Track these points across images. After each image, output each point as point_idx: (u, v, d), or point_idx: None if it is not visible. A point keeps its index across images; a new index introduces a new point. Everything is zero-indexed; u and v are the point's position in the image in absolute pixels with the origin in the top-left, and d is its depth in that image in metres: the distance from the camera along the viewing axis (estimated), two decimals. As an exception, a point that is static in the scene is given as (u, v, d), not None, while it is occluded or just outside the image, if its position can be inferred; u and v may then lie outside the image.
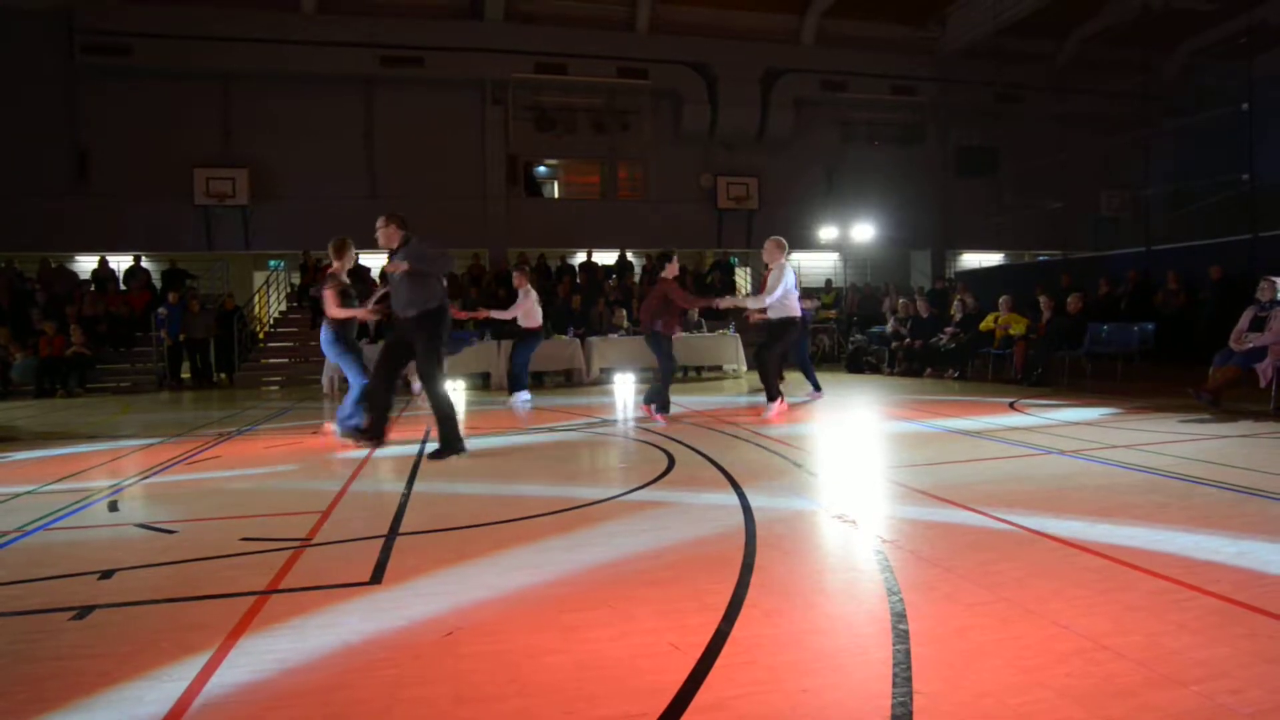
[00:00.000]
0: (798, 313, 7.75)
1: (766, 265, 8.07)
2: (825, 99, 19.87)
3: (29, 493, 5.07)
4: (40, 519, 4.33)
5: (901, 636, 2.47)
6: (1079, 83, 20.09)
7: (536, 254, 18.51)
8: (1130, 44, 17.08)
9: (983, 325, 12.33)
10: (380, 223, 6.13)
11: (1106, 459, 5.28)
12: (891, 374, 13.41)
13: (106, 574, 3.30)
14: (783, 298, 7.62)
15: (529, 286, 9.97)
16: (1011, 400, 8.97)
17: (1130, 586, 2.86)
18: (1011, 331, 11.71)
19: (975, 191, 20.52)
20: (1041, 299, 11.66)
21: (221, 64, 16.84)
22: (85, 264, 17.36)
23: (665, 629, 2.57)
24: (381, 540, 3.70)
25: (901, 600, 2.76)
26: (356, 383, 6.74)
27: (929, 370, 12.83)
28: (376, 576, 3.17)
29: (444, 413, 5.83)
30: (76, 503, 4.70)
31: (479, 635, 2.56)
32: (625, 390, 11.98)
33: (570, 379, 13.93)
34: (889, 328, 14.39)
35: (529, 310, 9.86)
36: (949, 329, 12.99)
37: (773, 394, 7.85)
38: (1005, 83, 19.94)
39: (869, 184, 19.72)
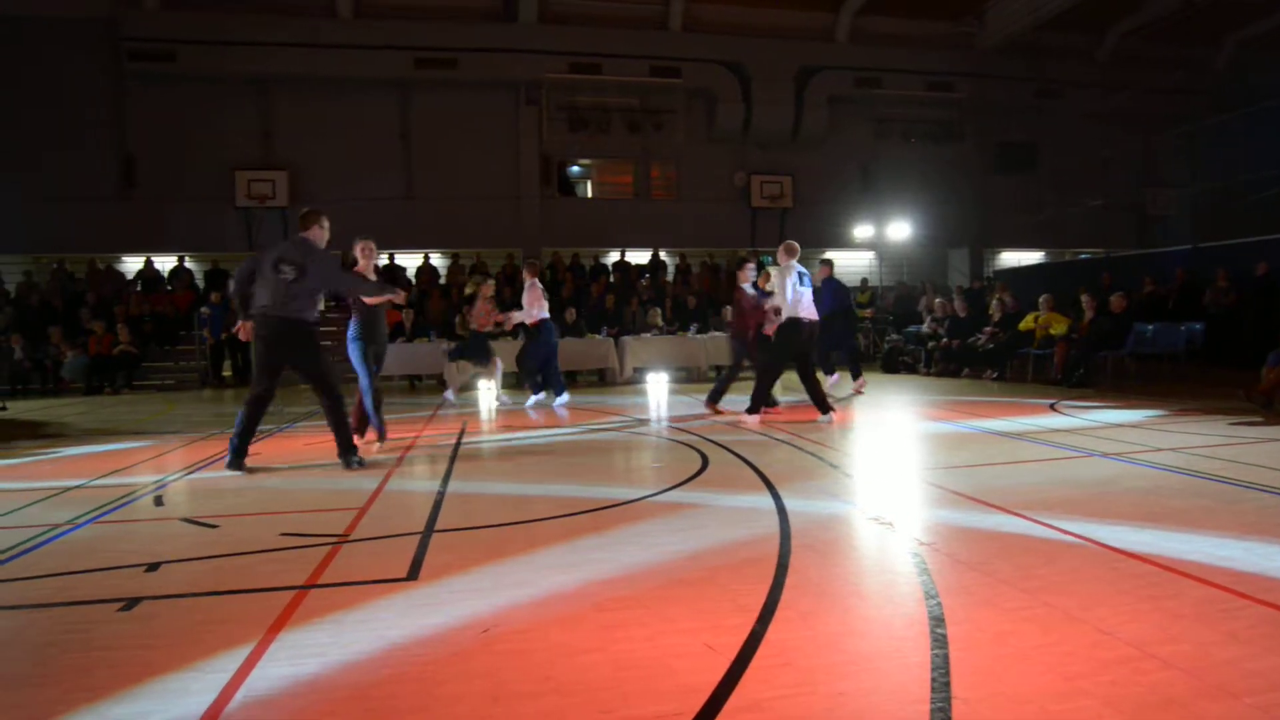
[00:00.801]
0: (805, 315, 7.56)
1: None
2: (860, 96, 19.65)
3: (78, 486, 5.22)
4: (89, 512, 4.46)
5: (940, 641, 2.43)
6: (1121, 77, 19.64)
7: (570, 253, 18.59)
8: (1174, 37, 16.63)
9: (1022, 325, 12.14)
10: (322, 222, 5.74)
11: (1151, 462, 5.15)
12: (928, 374, 13.24)
13: (153, 567, 3.39)
14: (792, 300, 7.53)
15: (535, 279, 9.77)
16: (1052, 401, 8.80)
17: (1178, 594, 2.78)
18: (1052, 331, 11.50)
19: (1014, 189, 20.15)
20: (1084, 298, 11.41)
21: (261, 68, 17.17)
22: (132, 265, 17.82)
23: (700, 629, 2.56)
24: (417, 537, 3.74)
25: (939, 604, 2.72)
26: (364, 388, 6.59)
27: (967, 371, 12.66)
28: (413, 573, 3.21)
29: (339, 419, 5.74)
30: (123, 497, 4.82)
31: (514, 633, 2.58)
32: (658, 390, 11.98)
33: (603, 378, 13.96)
34: (926, 327, 14.23)
35: (531, 301, 9.58)
36: (987, 329, 12.80)
37: (755, 404, 7.59)
38: (1044, 78, 19.59)
39: (905, 182, 19.47)
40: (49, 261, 17.49)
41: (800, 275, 7.53)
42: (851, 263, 20.92)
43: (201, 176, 17.22)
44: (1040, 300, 12.00)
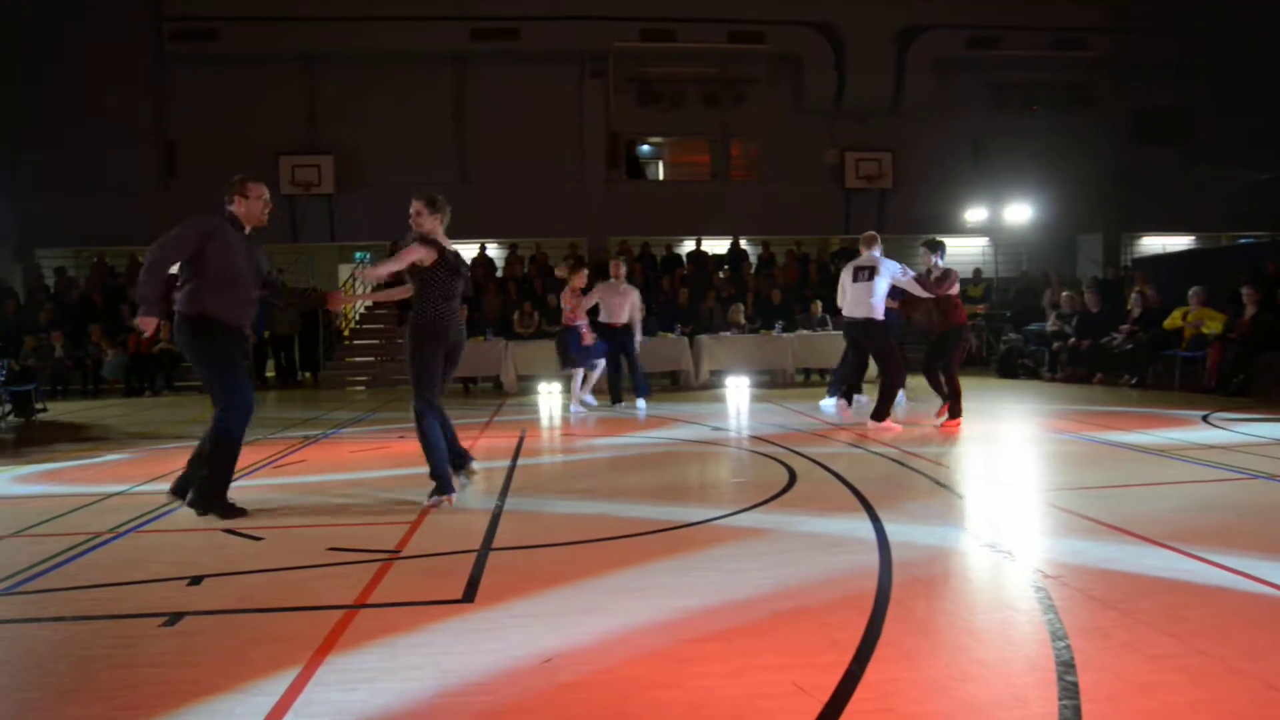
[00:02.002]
0: (848, 313, 7.79)
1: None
2: (972, 59, 19.18)
3: (120, 493, 5.53)
4: (131, 520, 4.72)
5: (1069, 690, 2.35)
6: (1293, 27, 18.60)
7: (639, 243, 18.69)
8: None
9: (1167, 323, 11.84)
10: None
11: (1329, 486, 4.88)
12: (1053, 379, 13.01)
13: (196, 580, 3.56)
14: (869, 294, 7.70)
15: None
16: (1205, 413, 8.46)
17: (1363, 643, 2.63)
18: (1205, 330, 11.18)
19: (1159, 163, 19.33)
20: (1244, 291, 10.99)
21: (307, 45, 17.83)
22: (173, 258, 18.72)
23: (788, 667, 2.54)
24: (473, 555, 3.83)
25: (1069, 647, 2.63)
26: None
27: (1099, 376, 12.39)
28: (469, 595, 3.28)
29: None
30: (165, 505, 5.08)
31: (580, 663, 2.61)
32: (739, 396, 11.94)
33: (677, 381, 13.99)
34: (1050, 325, 13.97)
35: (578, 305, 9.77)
36: (1125, 327, 12.50)
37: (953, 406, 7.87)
38: (1195, 31, 18.68)
39: (1025, 157, 18.88)
40: (89, 255, 18.56)
41: (856, 270, 7.74)
42: (962, 251, 20.41)
43: (244, 163, 17.81)
44: (1190, 294, 11.66)
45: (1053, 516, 4.37)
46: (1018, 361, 14.12)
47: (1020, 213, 18.18)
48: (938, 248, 8.17)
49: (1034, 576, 3.35)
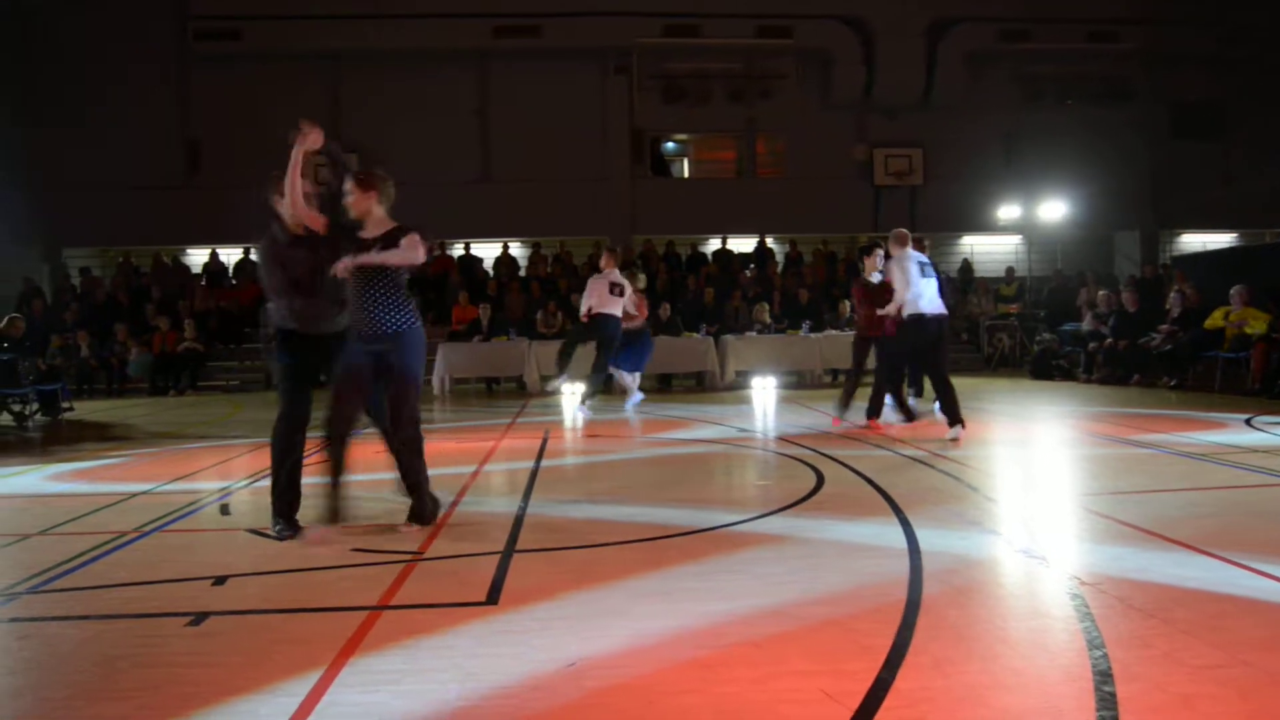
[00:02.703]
0: (929, 310, 7.33)
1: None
2: (1005, 52, 19.01)
3: (144, 493, 5.61)
4: (155, 520, 4.78)
5: (1107, 701, 2.32)
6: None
7: (664, 241, 18.69)
8: None
9: (1208, 323, 11.68)
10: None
11: (1379, 492, 4.78)
12: (1089, 381, 12.87)
13: (220, 580, 3.61)
14: (915, 293, 7.38)
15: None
16: (1248, 416, 8.34)
17: None
18: (1248, 330, 11.01)
19: (1197, 158, 19.05)
20: (1289, 289, 10.77)
21: (329, 43, 18.02)
22: (197, 258, 19.02)
23: (816, 673, 2.53)
24: (496, 558, 3.84)
25: (1106, 656, 2.59)
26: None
27: (1137, 377, 12.25)
28: (492, 597, 3.30)
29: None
30: (189, 505, 5.15)
31: (604, 668, 2.61)
32: (765, 397, 11.90)
33: (701, 382, 13.97)
34: (1086, 325, 13.84)
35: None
36: (1164, 327, 12.34)
37: (950, 413, 7.45)
38: (1234, 23, 18.36)
39: (1059, 152, 18.65)
40: (115, 254, 18.86)
41: (921, 265, 7.40)
42: (994, 249, 20.25)
43: (267, 162, 18.15)
44: (1232, 292, 11.49)
45: (1089, 522, 4.32)
46: (1052, 363, 14.00)
47: (1054, 210, 17.97)
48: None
49: (1070, 583, 3.31)
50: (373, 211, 4.48)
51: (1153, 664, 2.55)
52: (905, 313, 7.37)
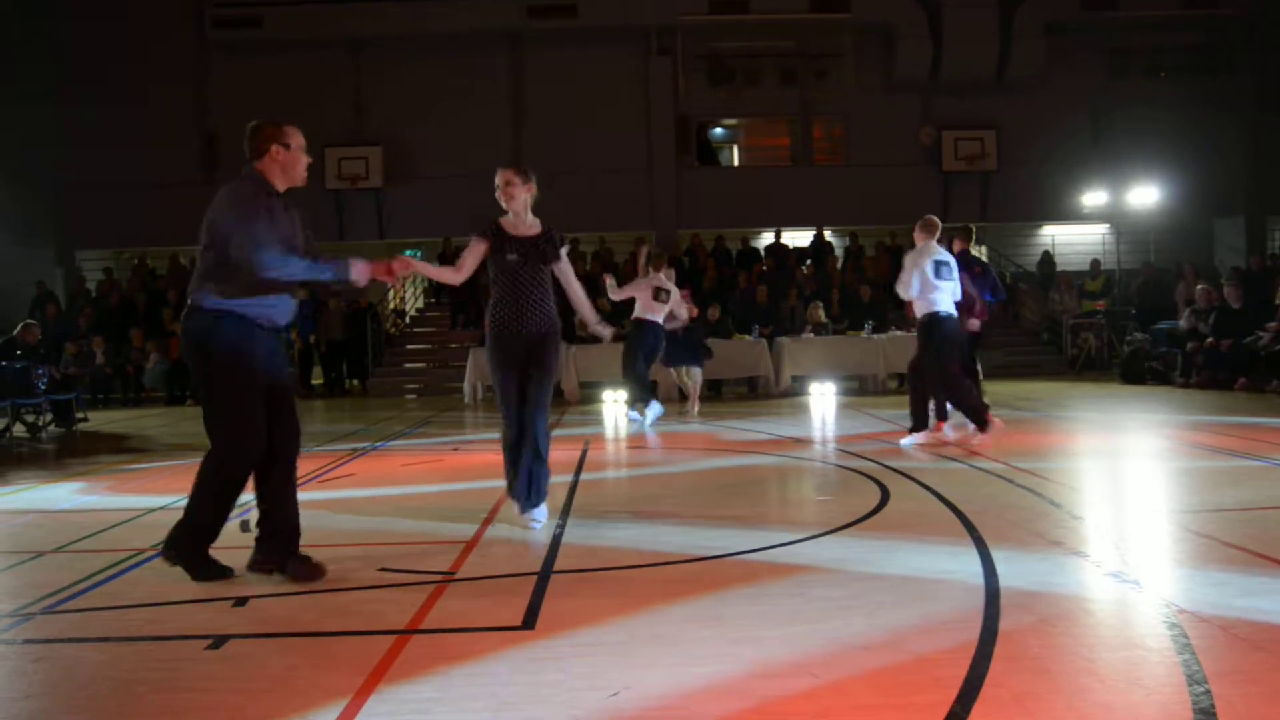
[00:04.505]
0: (942, 309, 7.39)
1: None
2: (1088, 21, 18.71)
3: (162, 508, 5.74)
4: (174, 539, 4.89)
5: (1210, 741, 2.27)
6: None
7: (713, 236, 18.68)
8: None
9: (1323, 319, 11.32)
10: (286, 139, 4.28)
11: None
12: (1186, 385, 12.67)
13: (240, 601, 3.68)
14: (923, 290, 7.40)
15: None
16: (1369, 423, 8.06)
17: None
18: (1368, 328, 10.63)
19: (1310, 135, 18.52)
20: None
21: (353, 29, 18.35)
22: (216, 258, 19.44)
23: (882, 708, 2.51)
24: (533, 579, 3.87)
25: (1209, 693, 2.54)
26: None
27: (1242, 381, 12.01)
28: (528, 621, 3.32)
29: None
30: (210, 522, 5.25)
31: (648, 698, 2.62)
32: (824, 404, 11.83)
33: (755, 388, 13.94)
34: (1183, 323, 13.63)
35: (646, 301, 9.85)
36: (1273, 325, 12.10)
37: (918, 420, 7.64)
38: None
39: (1151, 132, 18.31)
40: (130, 256, 19.39)
41: (938, 265, 7.43)
42: (1078, 240, 19.91)
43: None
44: (1350, 286, 11.13)
45: (1187, 542, 4.25)
46: (1145, 365, 13.78)
47: (1146, 195, 17.62)
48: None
49: (1166, 611, 3.24)
50: (528, 206, 4.89)
51: (1261, 702, 2.49)
52: (919, 312, 7.52)
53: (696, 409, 10.85)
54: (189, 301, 3.96)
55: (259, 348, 3.91)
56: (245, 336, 3.86)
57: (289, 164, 4.18)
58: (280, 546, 3.97)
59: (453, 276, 4.96)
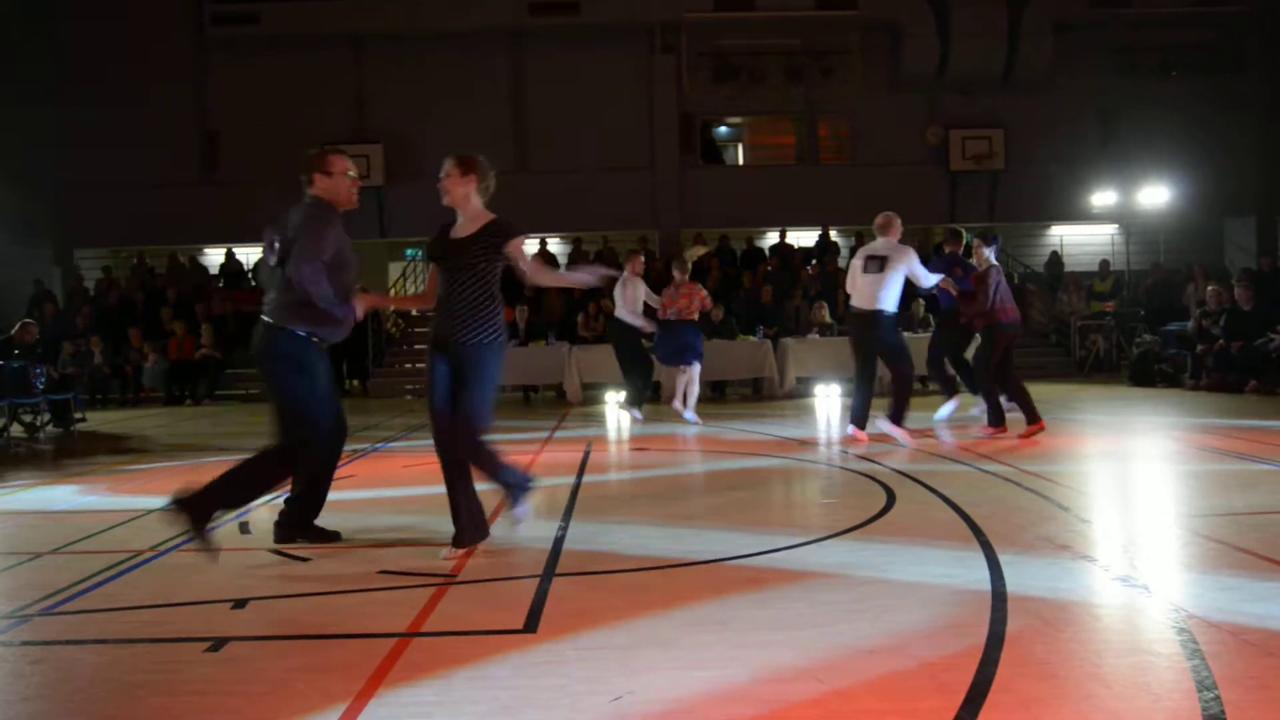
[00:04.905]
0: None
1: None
2: (1098, 19, 18.69)
3: (161, 509, 5.74)
4: (173, 538, 4.89)
5: (1219, 748, 2.27)
6: None
7: (716, 235, 18.68)
8: None
9: (1335, 321, 11.30)
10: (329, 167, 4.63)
11: None
12: (1197, 387, 12.64)
13: (240, 603, 3.69)
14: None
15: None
16: (1381, 426, 8.05)
17: None
18: (1381, 330, 10.61)
19: (1322, 135, 18.50)
20: None
21: (353, 26, 18.37)
22: (215, 258, 19.49)
23: (889, 713, 2.52)
24: (535, 581, 3.88)
25: (1218, 699, 2.54)
26: None
27: (1253, 384, 11.98)
28: (530, 624, 3.33)
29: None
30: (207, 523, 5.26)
31: (654, 702, 2.62)
32: (829, 406, 11.83)
33: (759, 390, 13.93)
34: (1192, 325, 13.61)
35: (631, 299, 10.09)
36: None
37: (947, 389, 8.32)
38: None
39: (1161, 131, 18.27)
40: (129, 255, 19.41)
41: (868, 259, 7.82)
42: (1087, 240, 19.89)
43: (288, 155, 18.43)
44: (1363, 287, 11.11)
45: (1197, 546, 4.25)
46: (1154, 367, 13.76)
47: (1156, 195, 17.59)
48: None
49: (1175, 616, 3.24)
50: (471, 201, 4.40)
51: (1272, 709, 2.49)
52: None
53: (678, 404, 10.24)
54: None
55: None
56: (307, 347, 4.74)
57: (332, 190, 4.56)
58: (308, 512, 4.63)
59: (420, 304, 4.88)
